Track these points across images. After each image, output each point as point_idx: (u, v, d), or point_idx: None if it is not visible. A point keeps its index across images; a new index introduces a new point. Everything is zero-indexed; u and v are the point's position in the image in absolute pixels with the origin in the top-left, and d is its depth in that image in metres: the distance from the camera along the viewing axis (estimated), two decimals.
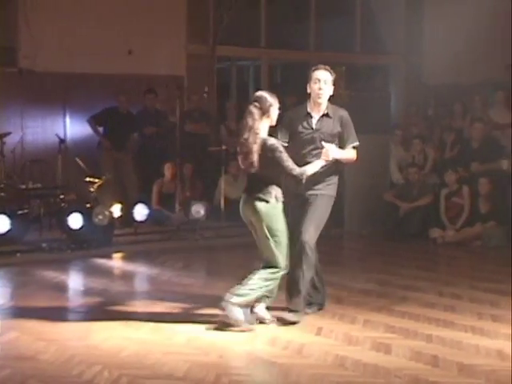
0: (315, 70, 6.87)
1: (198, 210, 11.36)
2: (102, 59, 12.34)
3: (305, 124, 6.83)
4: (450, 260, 10.45)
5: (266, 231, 6.45)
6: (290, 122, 6.89)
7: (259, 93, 6.64)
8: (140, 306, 7.50)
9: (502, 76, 13.13)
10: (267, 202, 6.44)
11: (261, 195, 6.47)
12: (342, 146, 6.82)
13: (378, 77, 14.82)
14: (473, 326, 6.64)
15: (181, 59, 13.49)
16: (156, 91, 12.59)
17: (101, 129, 12.17)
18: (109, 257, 9.99)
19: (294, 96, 13.64)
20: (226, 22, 13.56)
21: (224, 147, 11.91)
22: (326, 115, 6.83)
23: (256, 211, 6.48)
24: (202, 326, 6.58)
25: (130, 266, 9.68)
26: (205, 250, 10.61)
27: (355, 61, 14.55)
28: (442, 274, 9.25)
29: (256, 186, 6.53)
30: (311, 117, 6.84)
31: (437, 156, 12.47)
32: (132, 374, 5.38)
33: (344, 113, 6.91)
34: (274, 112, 6.53)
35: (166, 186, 11.96)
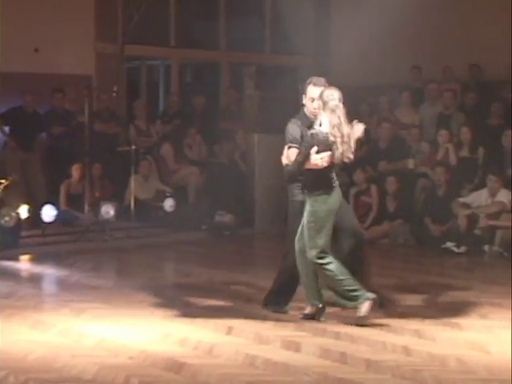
0: (312, 85, 6.79)
1: (108, 210, 11.23)
2: (8, 57, 12.06)
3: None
4: None
5: None
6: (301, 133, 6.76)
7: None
8: (48, 309, 7.38)
9: (408, 77, 13.40)
10: None
11: None
12: None
13: (288, 77, 14.93)
14: (380, 322, 6.73)
15: (89, 58, 13.34)
16: (64, 90, 12.42)
17: (7, 128, 11.95)
18: (16, 259, 9.79)
19: (204, 96, 13.68)
20: (135, 20, 13.45)
21: (133, 147, 11.84)
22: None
23: None
24: (112, 328, 6.52)
25: (38, 268, 9.52)
26: (114, 251, 10.51)
27: (265, 61, 14.63)
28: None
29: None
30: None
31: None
32: (39, 378, 5.28)
33: None
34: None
35: (74, 187, 11.80)
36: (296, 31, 14.85)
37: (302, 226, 6.69)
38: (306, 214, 6.64)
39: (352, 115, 13.71)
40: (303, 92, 6.84)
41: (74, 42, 12.92)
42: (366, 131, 12.55)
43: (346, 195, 11.66)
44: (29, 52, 12.50)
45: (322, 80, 6.83)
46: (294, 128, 6.78)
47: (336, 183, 6.75)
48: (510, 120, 11.84)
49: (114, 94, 13.07)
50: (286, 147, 6.72)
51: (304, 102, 6.84)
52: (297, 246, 6.76)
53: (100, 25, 13.38)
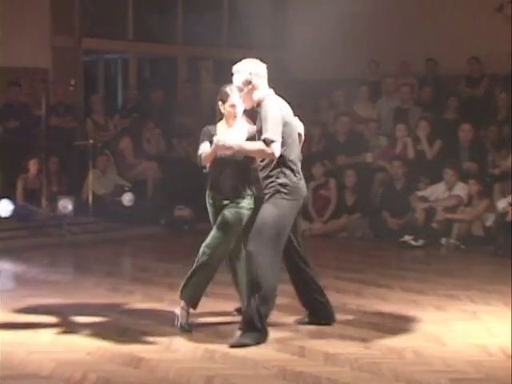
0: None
1: (66, 205, 11.14)
2: None
3: None
4: (316, 252, 10.53)
5: None
6: None
7: None
8: (4, 305, 7.30)
9: (366, 71, 13.47)
10: None
11: None
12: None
13: None
14: (338, 315, 6.77)
15: (46, 51, 13.18)
16: (20, 84, 12.28)
17: None
18: None
19: (162, 90, 13.61)
20: (92, 13, 13.33)
21: (91, 141, 11.76)
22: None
23: None
24: (69, 323, 6.47)
25: None
26: (72, 246, 10.43)
27: (222, 55, 14.61)
28: None
29: None
30: None
31: (304, 149, 12.63)
32: None
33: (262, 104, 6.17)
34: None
35: (30, 181, 11.67)
36: (253, 25, 14.84)
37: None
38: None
39: (311, 109, 13.81)
40: None
41: (30, 35, 12.76)
42: (324, 125, 12.75)
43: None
44: None
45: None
46: None
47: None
48: (465, 114, 11.98)
49: (70, 88, 12.94)
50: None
51: None
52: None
53: (56, 17, 13.22)
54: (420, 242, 10.52)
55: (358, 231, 11.25)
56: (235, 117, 6.30)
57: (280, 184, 6.13)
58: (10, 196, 11.28)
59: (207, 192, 6.41)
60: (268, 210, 6.07)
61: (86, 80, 13.91)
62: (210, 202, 6.38)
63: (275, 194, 6.11)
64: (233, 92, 6.25)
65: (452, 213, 10.65)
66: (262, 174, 6.22)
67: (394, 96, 12.85)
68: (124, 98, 14.45)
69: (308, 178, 11.92)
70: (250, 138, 6.21)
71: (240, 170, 6.28)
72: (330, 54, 13.48)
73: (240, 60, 6.34)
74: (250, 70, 6.22)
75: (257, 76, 6.22)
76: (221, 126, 6.37)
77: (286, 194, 6.12)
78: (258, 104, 6.18)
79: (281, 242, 6.10)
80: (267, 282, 5.97)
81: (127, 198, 11.73)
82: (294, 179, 6.24)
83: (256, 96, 6.19)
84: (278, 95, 6.32)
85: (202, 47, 14.47)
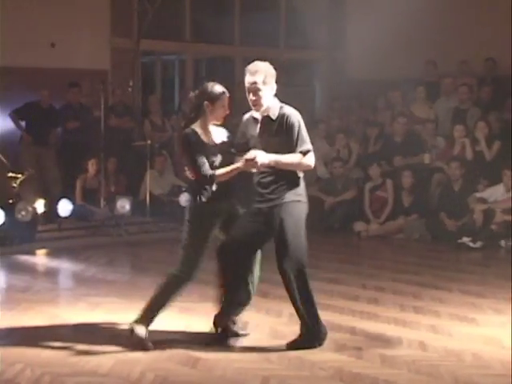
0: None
1: (124, 205, 11.26)
2: (24, 52, 12.13)
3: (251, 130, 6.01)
4: (373, 253, 10.59)
5: None
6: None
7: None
8: (63, 303, 7.41)
9: (423, 71, 13.36)
10: None
11: None
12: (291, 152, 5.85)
13: (302, 72, 14.92)
14: (395, 317, 6.74)
15: (105, 53, 13.35)
16: (80, 85, 12.44)
17: (23, 123, 11.99)
18: (32, 253, 9.84)
19: None
20: (150, 15, 13.45)
21: (148, 142, 11.86)
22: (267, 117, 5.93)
23: None
24: (126, 322, 6.53)
25: (54, 263, 9.57)
26: (129, 246, 10.54)
27: (280, 56, 14.61)
28: (366, 267, 9.35)
29: None
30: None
31: (361, 150, 12.61)
32: (55, 371, 5.32)
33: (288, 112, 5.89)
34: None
35: (89, 182, 11.82)
36: (311, 26, 14.83)
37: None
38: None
39: (368, 110, 13.77)
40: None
41: (89, 37, 12.95)
42: (382, 126, 12.66)
43: (361, 190, 11.80)
44: (45, 47, 12.53)
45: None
46: None
47: None
48: None
49: (129, 89, 13.10)
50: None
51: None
52: None
53: (115, 19, 13.40)
54: (478, 244, 10.38)
55: (415, 233, 11.16)
56: (223, 119, 5.98)
57: (291, 188, 5.89)
58: (69, 196, 11.43)
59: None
60: (293, 224, 5.86)
61: (143, 81, 14.05)
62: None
63: (290, 202, 5.88)
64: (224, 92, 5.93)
65: (511, 215, 10.50)
66: (265, 180, 5.92)
67: (451, 96, 12.70)
68: (181, 99, 14.53)
69: (365, 178, 12.01)
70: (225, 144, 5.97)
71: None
72: (388, 55, 13.41)
73: (255, 60, 5.97)
74: (271, 72, 5.91)
75: (273, 79, 5.94)
76: (199, 129, 5.89)
77: (298, 196, 5.93)
78: (266, 110, 5.87)
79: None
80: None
81: (184, 199, 11.78)
82: (300, 182, 5.99)
83: (269, 101, 5.88)
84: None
85: (259, 48, 14.49)
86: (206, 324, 6.48)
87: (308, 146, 5.86)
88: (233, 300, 6.07)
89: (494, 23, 12.97)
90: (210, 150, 5.89)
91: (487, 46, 12.91)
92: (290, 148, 5.82)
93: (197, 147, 5.83)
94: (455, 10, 13.30)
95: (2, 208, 9.94)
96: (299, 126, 5.85)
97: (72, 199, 11.41)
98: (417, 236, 11.11)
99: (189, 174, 5.94)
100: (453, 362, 5.60)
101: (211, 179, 5.83)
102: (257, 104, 5.86)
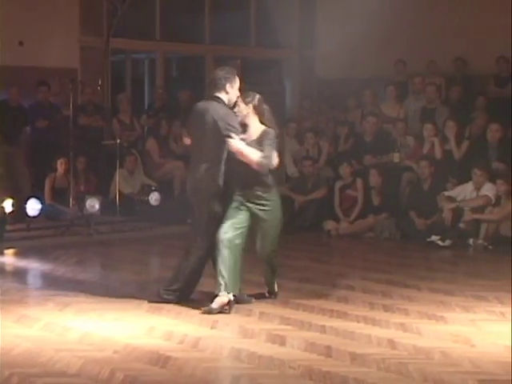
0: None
1: (93, 204, 11.18)
2: None
3: None
4: (343, 252, 10.62)
5: None
6: None
7: None
8: (32, 303, 7.36)
9: (392, 71, 13.42)
10: None
11: None
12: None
13: (273, 71, 14.93)
14: (365, 316, 6.76)
15: (74, 51, 13.29)
16: (49, 84, 12.36)
17: None
18: (0, 253, 9.75)
19: (189, 89, 13.63)
20: (120, 13, 13.39)
21: (118, 141, 11.81)
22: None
23: None
24: (96, 322, 6.50)
25: (23, 262, 9.49)
26: (99, 245, 10.48)
27: (250, 54, 14.62)
28: (336, 266, 9.38)
29: None
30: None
31: (331, 149, 12.64)
32: (24, 372, 5.26)
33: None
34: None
35: (58, 181, 11.75)
36: (281, 24, 14.84)
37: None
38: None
39: (339, 108, 13.81)
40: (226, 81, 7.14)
41: (58, 35, 12.87)
42: (352, 125, 12.73)
43: (331, 189, 11.83)
44: (13, 45, 12.43)
45: None
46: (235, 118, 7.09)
47: None
48: (493, 114, 11.88)
49: (98, 88, 13.02)
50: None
51: (228, 90, 7.14)
52: (224, 236, 6.86)
53: (85, 18, 13.33)
54: (447, 243, 10.46)
55: (384, 231, 11.21)
56: None
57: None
58: (38, 195, 11.35)
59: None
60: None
61: (113, 80, 13.96)
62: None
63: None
64: None
65: (480, 213, 10.57)
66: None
67: (421, 96, 12.78)
68: (151, 98, 14.50)
69: (335, 177, 12.04)
70: None
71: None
72: (358, 54, 13.46)
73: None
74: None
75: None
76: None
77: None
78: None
79: None
80: None
81: (154, 198, 11.77)
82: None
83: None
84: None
85: (230, 46, 14.49)
86: (175, 323, 6.48)
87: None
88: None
89: (463, 22, 13.07)
90: None
91: (456, 45, 13.00)
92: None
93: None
94: (424, 9, 13.38)
95: None
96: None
97: (41, 198, 11.33)
98: (386, 235, 11.17)
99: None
100: (422, 359, 5.63)
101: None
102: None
